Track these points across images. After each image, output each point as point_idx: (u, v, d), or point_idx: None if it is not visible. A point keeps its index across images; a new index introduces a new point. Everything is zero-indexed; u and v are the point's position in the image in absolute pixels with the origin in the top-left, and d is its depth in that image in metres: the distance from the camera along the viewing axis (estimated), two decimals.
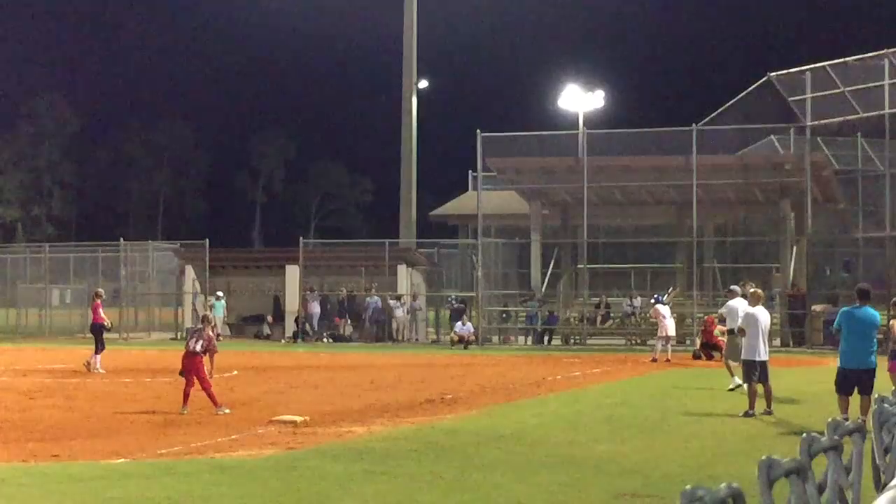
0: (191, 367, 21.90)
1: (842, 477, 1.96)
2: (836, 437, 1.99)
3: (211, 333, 22.69)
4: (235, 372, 30.82)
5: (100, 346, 32.88)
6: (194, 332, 23.13)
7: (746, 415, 20.93)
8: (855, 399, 18.66)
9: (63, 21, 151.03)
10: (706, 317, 39.36)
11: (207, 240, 53.86)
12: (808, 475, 1.77)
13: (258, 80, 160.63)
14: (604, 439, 17.96)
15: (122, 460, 15.71)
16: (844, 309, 19.95)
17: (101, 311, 34.18)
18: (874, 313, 19.38)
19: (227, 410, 21.42)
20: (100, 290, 37.05)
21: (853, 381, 18.70)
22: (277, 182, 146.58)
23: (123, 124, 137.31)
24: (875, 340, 19.20)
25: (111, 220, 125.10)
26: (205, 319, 23.68)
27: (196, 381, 21.75)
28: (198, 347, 22.06)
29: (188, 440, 17.67)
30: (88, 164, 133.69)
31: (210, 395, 21.67)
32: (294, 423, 19.74)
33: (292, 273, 51.79)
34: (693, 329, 46.12)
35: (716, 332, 35.69)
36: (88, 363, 32.38)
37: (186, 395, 21.70)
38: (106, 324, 34.08)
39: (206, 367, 22.53)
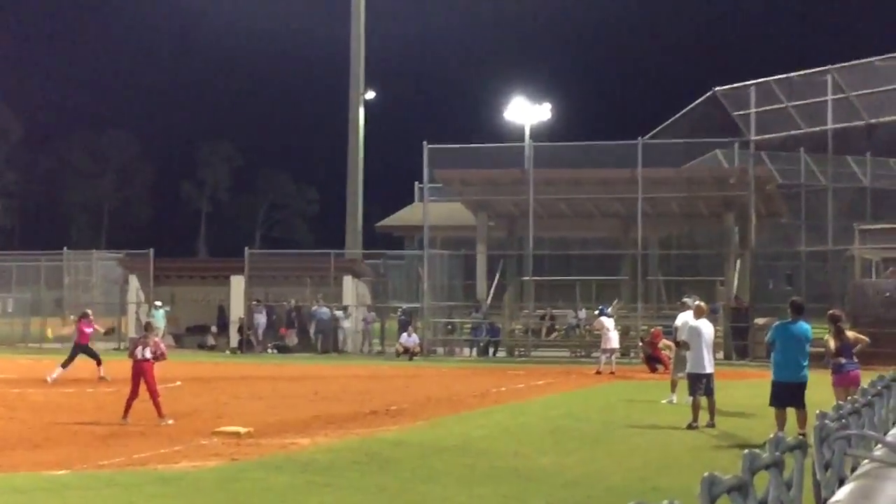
0: (140, 375, 21.71)
1: (783, 493, 1.98)
2: (777, 454, 2.01)
3: (157, 339, 22.52)
4: (179, 382, 30.63)
5: (68, 360, 32.98)
6: (139, 341, 22.78)
7: (690, 427, 21.05)
8: (792, 412, 18.86)
9: (5, 27, 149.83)
10: (652, 329, 39.50)
11: (152, 249, 53.54)
12: (749, 491, 1.79)
13: (204, 89, 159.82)
14: (548, 451, 18.01)
15: (64, 472, 15.59)
16: (778, 322, 20.15)
17: (84, 331, 34.40)
18: (807, 327, 19.60)
19: (171, 421, 21.29)
20: (88, 310, 37.36)
21: (786, 394, 18.93)
22: (223, 191, 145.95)
23: (67, 132, 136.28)
24: (807, 354, 19.40)
25: (55, 229, 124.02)
26: (148, 327, 23.47)
27: (143, 390, 21.61)
28: (147, 354, 21.83)
29: (131, 451, 17.56)
30: (32, 172, 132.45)
31: (156, 405, 21.53)
32: (238, 434, 19.65)
33: (237, 283, 51.56)
34: (637, 341, 46.34)
35: (660, 344, 35.88)
36: (102, 377, 32.48)
37: (129, 405, 21.55)
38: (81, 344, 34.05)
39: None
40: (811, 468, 2.42)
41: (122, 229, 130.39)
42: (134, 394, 21.64)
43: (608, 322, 38.37)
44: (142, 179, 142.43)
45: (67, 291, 55.15)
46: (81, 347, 33.63)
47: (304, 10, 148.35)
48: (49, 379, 31.74)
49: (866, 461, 2.55)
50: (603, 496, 13.63)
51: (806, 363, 19.20)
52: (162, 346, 22.41)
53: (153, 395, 21.63)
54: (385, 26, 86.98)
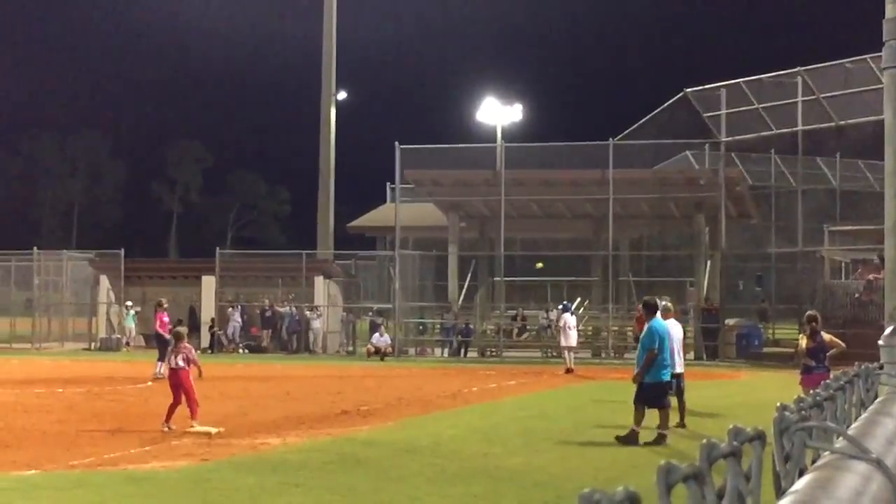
0: (177, 383, 21.14)
1: (741, 483, 2.01)
2: (735, 444, 2.03)
3: (187, 346, 21.89)
4: (150, 383, 30.60)
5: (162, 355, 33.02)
6: (172, 350, 21.93)
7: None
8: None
9: None
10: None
11: (122, 249, 53.42)
12: (706, 480, 1.81)
13: (175, 89, 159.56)
14: (518, 452, 18.03)
15: (34, 472, 15.54)
16: (654, 324, 20.12)
17: (163, 319, 34.46)
18: None
19: (199, 428, 20.70)
20: (162, 299, 37.37)
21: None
22: (194, 192, 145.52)
23: (38, 132, 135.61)
24: None
25: (25, 229, 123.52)
26: (177, 336, 22.52)
27: (183, 397, 21.06)
28: (180, 362, 21.25)
29: (101, 451, 17.50)
30: (1, 172, 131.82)
31: (192, 410, 20.90)
32: (209, 434, 19.62)
33: (208, 283, 51.45)
34: (608, 342, 46.47)
35: None
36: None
37: (171, 412, 20.78)
38: (165, 335, 33.89)
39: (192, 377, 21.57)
40: (771, 459, 2.45)
41: (93, 229, 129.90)
42: (176, 401, 20.96)
43: (570, 319, 38.55)
44: (112, 180, 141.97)
45: (37, 292, 54.88)
46: (159, 337, 33.68)
47: (275, 11, 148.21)
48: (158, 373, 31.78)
49: (827, 453, 2.59)
50: (573, 496, 13.57)
51: None
52: (192, 353, 21.82)
53: (190, 402, 20.97)
54: (357, 27, 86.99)
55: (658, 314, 20.31)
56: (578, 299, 49.19)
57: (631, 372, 20.47)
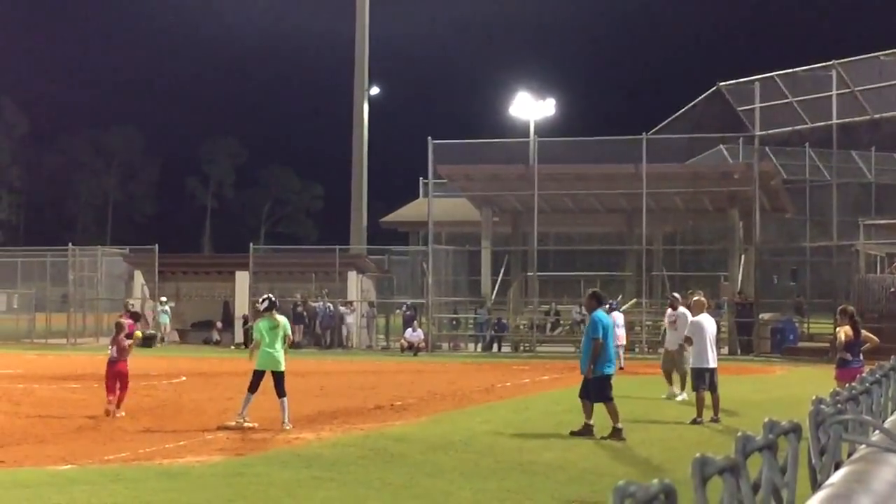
0: (117, 372, 22.17)
1: (776, 476, 2.00)
2: (770, 436, 2.02)
3: (120, 338, 22.64)
4: (184, 378, 30.71)
5: None
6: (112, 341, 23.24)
7: (694, 422, 21.01)
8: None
9: (11, 22, 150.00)
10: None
11: (157, 245, 53.65)
12: (741, 473, 1.80)
13: (209, 85, 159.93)
14: (552, 446, 18.01)
15: (69, 466, 15.61)
16: (601, 315, 20.01)
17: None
18: None
19: (122, 414, 21.62)
20: (126, 305, 37.73)
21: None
22: (228, 187, 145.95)
23: (73, 128, 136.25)
24: None
25: (60, 225, 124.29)
26: (118, 326, 23.30)
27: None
28: (113, 353, 22.18)
29: (136, 446, 17.58)
30: (37, 167, 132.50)
31: (120, 398, 21.96)
32: (243, 429, 19.69)
33: (242, 279, 51.59)
34: (642, 336, 46.29)
35: None
36: None
37: (120, 399, 22.01)
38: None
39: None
40: (807, 452, 2.44)
41: (127, 225, 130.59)
42: (119, 389, 22.11)
43: (618, 318, 38.28)
44: (146, 175, 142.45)
45: (72, 287, 55.17)
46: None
47: (308, 6, 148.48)
48: None
49: (863, 446, 2.57)
50: (607, 490, 13.56)
51: None
52: (124, 342, 22.55)
53: (123, 390, 22.05)
54: (389, 22, 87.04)
55: (602, 306, 20.42)
56: (620, 296, 49.06)
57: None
